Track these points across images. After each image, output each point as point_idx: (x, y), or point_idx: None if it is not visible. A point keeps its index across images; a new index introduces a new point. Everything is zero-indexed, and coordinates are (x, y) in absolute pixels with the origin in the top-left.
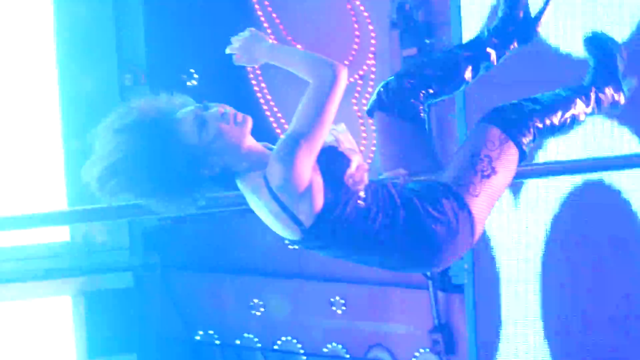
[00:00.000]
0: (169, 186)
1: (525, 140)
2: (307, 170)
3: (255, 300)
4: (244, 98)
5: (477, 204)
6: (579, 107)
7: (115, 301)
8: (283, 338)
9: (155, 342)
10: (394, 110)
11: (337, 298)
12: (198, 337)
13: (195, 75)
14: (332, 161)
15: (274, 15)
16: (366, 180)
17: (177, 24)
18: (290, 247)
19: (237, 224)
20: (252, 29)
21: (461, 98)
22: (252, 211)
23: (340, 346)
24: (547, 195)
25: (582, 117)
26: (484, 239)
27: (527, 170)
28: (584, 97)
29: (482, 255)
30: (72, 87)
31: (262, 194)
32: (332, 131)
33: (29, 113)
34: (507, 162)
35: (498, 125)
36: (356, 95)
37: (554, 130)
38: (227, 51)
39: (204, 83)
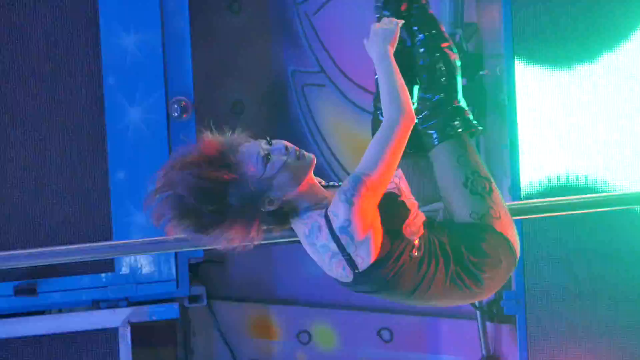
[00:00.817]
0: (229, 218)
1: (469, 118)
2: (370, 211)
3: (303, 331)
4: (292, 129)
5: (503, 224)
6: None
7: (161, 332)
8: None
9: None
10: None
11: (385, 328)
12: None
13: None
14: (392, 209)
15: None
16: (422, 230)
17: (225, 55)
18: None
19: (283, 255)
20: (400, 23)
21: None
22: (298, 242)
23: None
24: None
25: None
26: (537, 267)
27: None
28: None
29: (534, 284)
30: (119, 118)
31: (322, 233)
32: (393, 178)
33: (76, 143)
34: (479, 155)
35: (443, 139)
36: None
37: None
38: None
39: (251, 114)
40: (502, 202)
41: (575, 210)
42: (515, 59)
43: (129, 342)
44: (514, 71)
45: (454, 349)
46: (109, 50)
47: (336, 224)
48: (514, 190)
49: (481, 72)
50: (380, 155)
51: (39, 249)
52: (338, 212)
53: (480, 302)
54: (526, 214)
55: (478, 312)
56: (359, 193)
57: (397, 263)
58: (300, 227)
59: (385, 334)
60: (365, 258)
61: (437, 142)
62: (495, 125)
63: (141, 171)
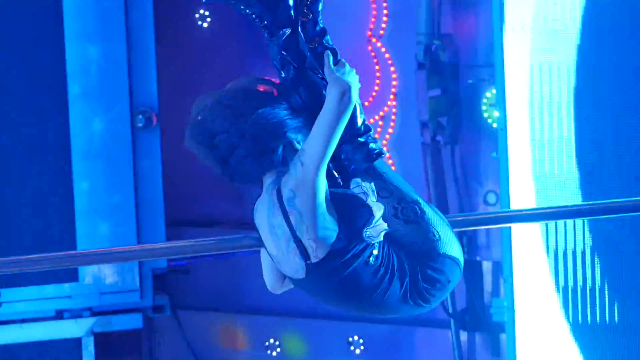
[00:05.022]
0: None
1: (375, 146)
2: (316, 178)
3: (271, 340)
4: None
5: (444, 242)
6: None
7: (124, 342)
8: None
9: None
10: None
11: (356, 337)
12: None
13: None
14: (355, 210)
15: None
16: (381, 237)
17: (190, 65)
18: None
19: (249, 264)
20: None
21: (504, 137)
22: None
23: None
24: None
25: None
26: (525, 274)
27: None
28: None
29: (523, 291)
30: (83, 128)
31: (276, 209)
32: (361, 185)
33: (40, 153)
34: (399, 178)
35: (355, 173)
36: (376, 136)
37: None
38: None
39: None
40: (436, 219)
41: (559, 218)
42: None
43: (93, 352)
44: (504, 80)
45: (427, 358)
46: (74, 60)
47: (284, 194)
48: (504, 199)
49: (469, 81)
50: (320, 129)
51: (1, 258)
52: (287, 182)
53: (454, 310)
54: (511, 222)
55: (452, 321)
56: (302, 165)
57: (352, 263)
58: (265, 204)
59: (356, 343)
60: (317, 246)
61: (352, 179)
62: (469, 135)
63: (105, 181)
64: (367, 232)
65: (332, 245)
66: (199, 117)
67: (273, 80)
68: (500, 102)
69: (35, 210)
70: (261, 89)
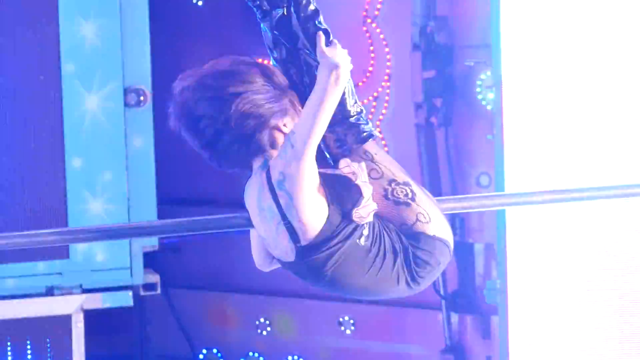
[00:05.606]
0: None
1: (367, 128)
2: (307, 170)
3: (262, 320)
4: None
5: (434, 224)
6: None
7: (114, 320)
8: (290, 358)
9: None
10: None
11: (346, 318)
12: (201, 356)
13: None
14: (344, 190)
15: None
16: (370, 218)
17: (184, 44)
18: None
19: (240, 243)
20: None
21: (499, 119)
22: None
23: None
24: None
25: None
26: (520, 255)
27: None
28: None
29: (516, 272)
30: (76, 105)
31: (265, 192)
32: (350, 165)
33: (32, 130)
34: (390, 160)
35: (346, 154)
36: (370, 117)
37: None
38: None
39: None
40: (426, 201)
41: (554, 202)
42: (502, 51)
43: (82, 329)
44: (500, 61)
45: (417, 339)
46: (68, 37)
47: (273, 177)
48: (498, 182)
49: (466, 63)
50: (310, 109)
51: None
52: (276, 165)
53: (445, 292)
54: (504, 205)
55: (443, 302)
56: (292, 148)
57: (342, 244)
58: (255, 186)
59: (347, 323)
60: (307, 228)
61: (340, 158)
62: (464, 117)
63: (97, 159)
64: (357, 213)
65: (322, 227)
66: (181, 98)
67: (256, 60)
68: (496, 84)
69: (26, 188)
70: (243, 71)
